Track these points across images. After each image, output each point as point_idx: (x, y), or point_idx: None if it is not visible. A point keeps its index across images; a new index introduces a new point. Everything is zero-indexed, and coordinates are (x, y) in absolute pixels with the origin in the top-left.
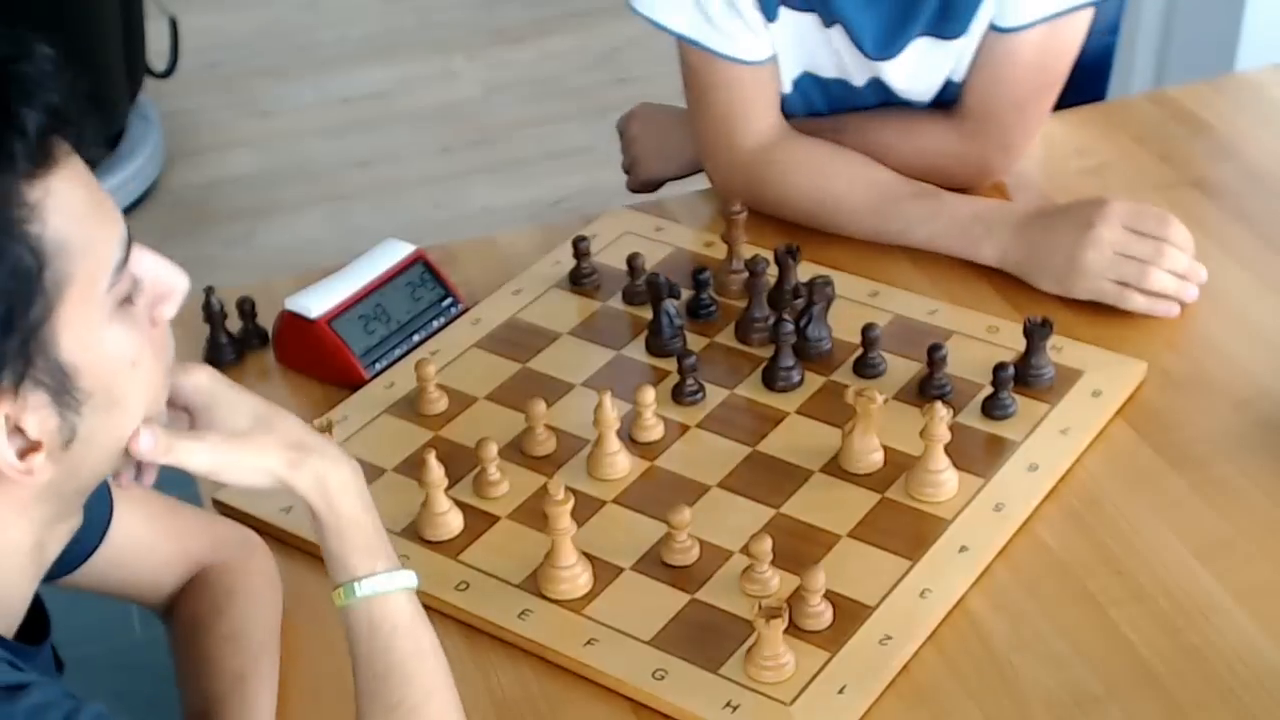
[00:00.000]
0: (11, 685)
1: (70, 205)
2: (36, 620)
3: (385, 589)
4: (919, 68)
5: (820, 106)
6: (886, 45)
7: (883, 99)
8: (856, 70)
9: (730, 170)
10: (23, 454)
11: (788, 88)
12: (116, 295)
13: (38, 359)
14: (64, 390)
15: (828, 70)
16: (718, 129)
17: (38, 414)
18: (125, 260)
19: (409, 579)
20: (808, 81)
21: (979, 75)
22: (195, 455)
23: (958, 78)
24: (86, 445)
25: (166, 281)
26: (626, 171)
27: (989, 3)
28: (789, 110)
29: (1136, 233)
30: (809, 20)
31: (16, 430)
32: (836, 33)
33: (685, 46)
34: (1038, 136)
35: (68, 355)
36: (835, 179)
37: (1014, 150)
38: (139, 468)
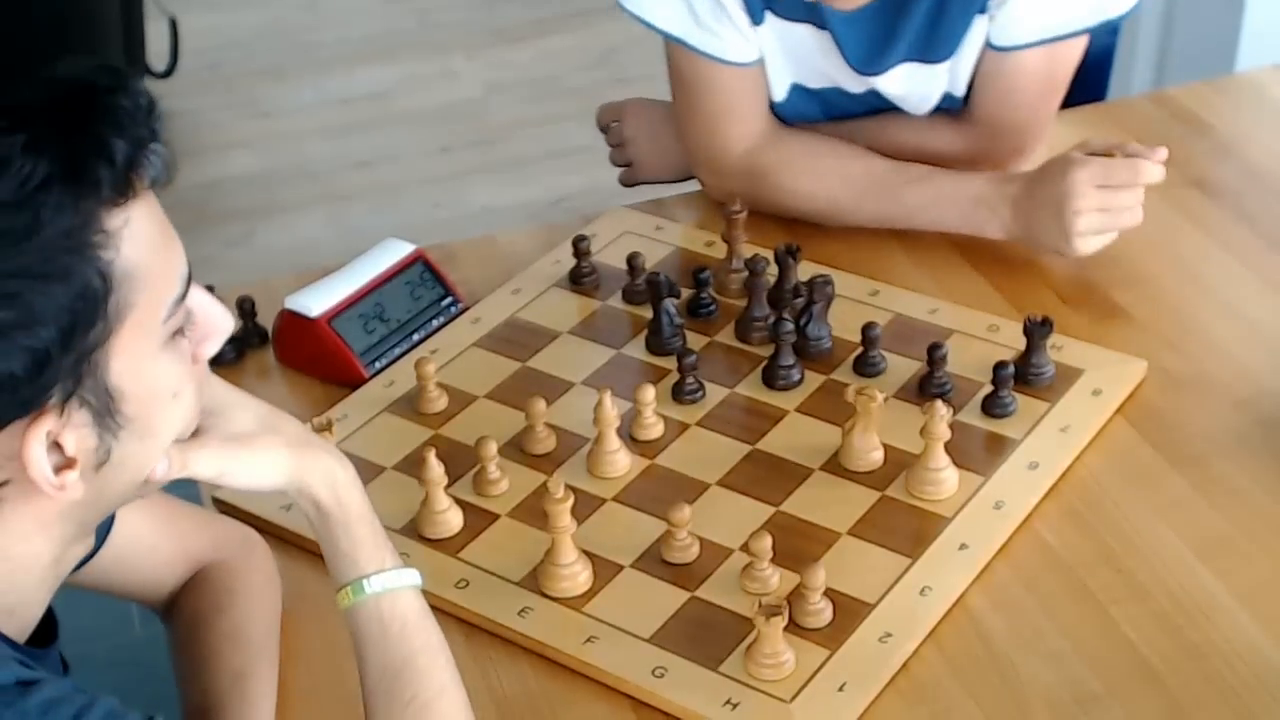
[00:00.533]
0: (24, 681)
1: (143, 236)
2: (45, 624)
3: (394, 585)
4: (909, 87)
5: (816, 116)
6: (871, 63)
7: (880, 105)
8: (848, 81)
9: (721, 177)
10: (57, 470)
11: (781, 96)
12: (170, 327)
13: (88, 379)
14: (107, 413)
15: (816, 81)
16: (706, 132)
17: (78, 432)
18: (184, 295)
19: (416, 577)
20: (798, 93)
21: (984, 90)
22: (205, 462)
23: (957, 92)
24: (116, 470)
25: (213, 321)
26: (615, 164)
27: (978, 26)
28: (785, 118)
29: (1112, 188)
30: (795, 29)
31: (54, 446)
32: (826, 41)
33: (673, 47)
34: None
35: (116, 379)
36: (828, 177)
37: (1028, 151)
38: None
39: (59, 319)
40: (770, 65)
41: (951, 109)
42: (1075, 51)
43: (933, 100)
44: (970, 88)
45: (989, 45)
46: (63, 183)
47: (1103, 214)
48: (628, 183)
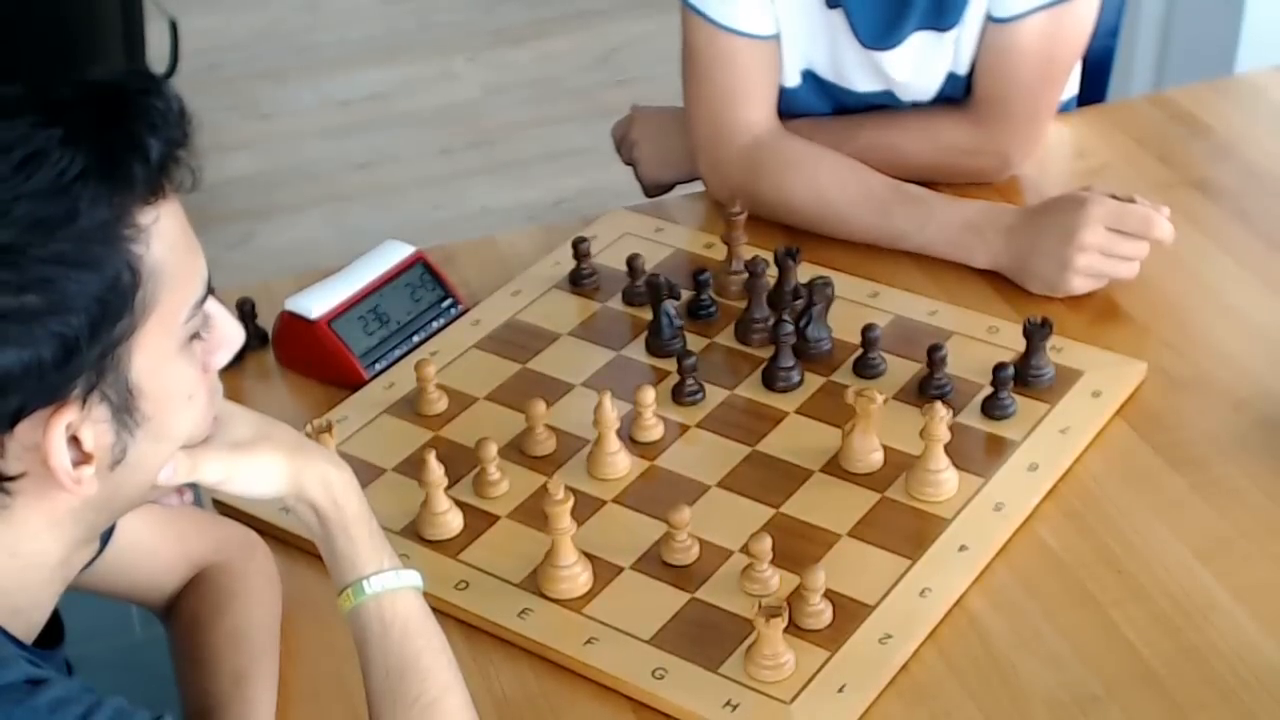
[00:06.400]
0: (33, 680)
1: (170, 236)
2: (51, 627)
3: (394, 586)
4: (919, 61)
5: (825, 110)
6: (883, 37)
7: (886, 105)
8: (855, 64)
9: (721, 168)
10: (75, 465)
11: (795, 80)
12: (189, 330)
13: (110, 373)
14: (126, 410)
15: (826, 67)
16: (713, 114)
17: (96, 427)
18: (204, 298)
19: (416, 578)
20: (810, 81)
21: (986, 68)
22: (210, 467)
23: (960, 70)
24: (130, 470)
25: (224, 332)
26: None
27: None
28: (795, 108)
29: (1121, 232)
30: (806, 5)
31: (73, 441)
32: (837, 17)
33: (689, 20)
34: (1050, 127)
35: (136, 376)
36: (824, 188)
37: (1030, 139)
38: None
39: (89, 308)
40: (784, 44)
41: (954, 96)
42: (1076, 30)
43: (938, 80)
44: (973, 69)
45: (989, 18)
46: (99, 176)
47: (1104, 258)
48: (644, 190)
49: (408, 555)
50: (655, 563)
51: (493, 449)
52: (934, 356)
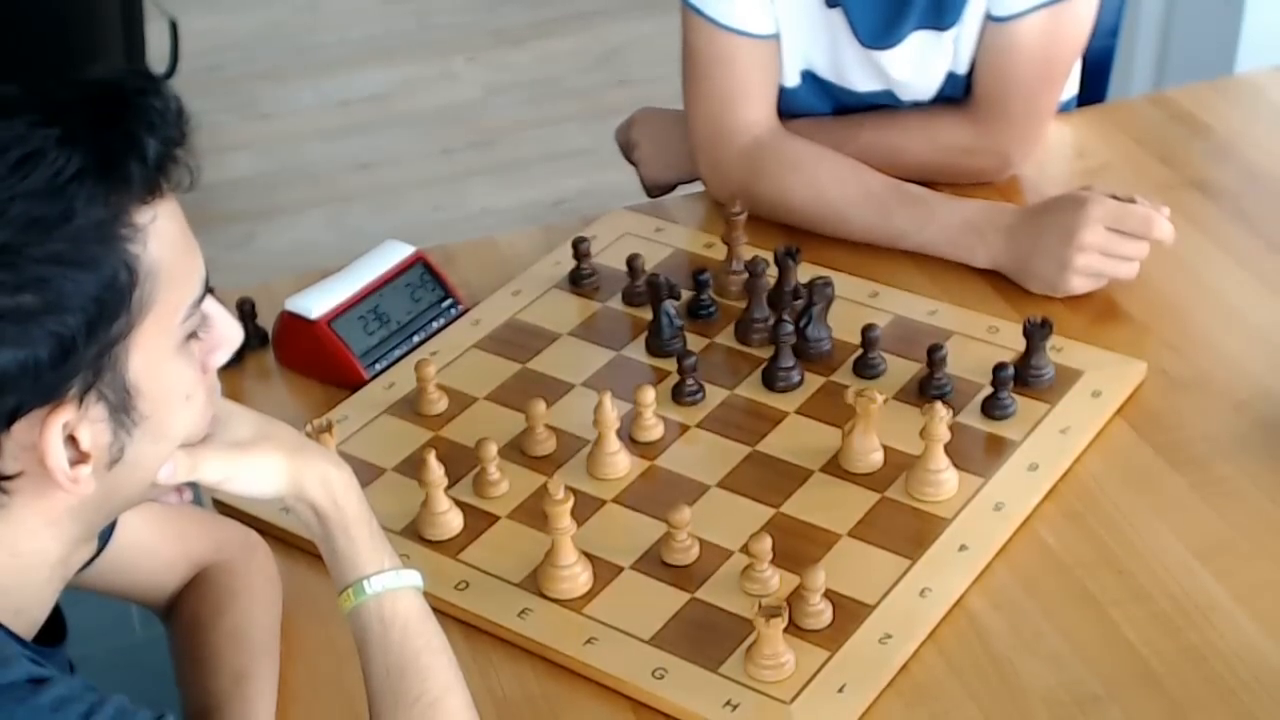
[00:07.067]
0: (35, 678)
1: (168, 235)
2: (53, 625)
3: (394, 585)
4: (919, 60)
5: (825, 110)
6: (883, 36)
7: (886, 104)
8: (855, 64)
9: (721, 169)
10: (72, 464)
11: (794, 80)
12: (186, 329)
13: (107, 373)
14: (123, 409)
15: (826, 66)
16: (713, 115)
17: (94, 427)
18: (202, 298)
19: (416, 578)
20: (810, 82)
21: (985, 67)
22: (210, 466)
23: (960, 69)
24: (128, 469)
25: (222, 331)
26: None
27: None
28: (795, 108)
29: (1121, 232)
30: (809, 3)
31: (70, 441)
32: (836, 17)
33: (689, 20)
34: (1050, 126)
35: (134, 376)
36: (824, 188)
37: (1029, 139)
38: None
39: (86, 308)
40: (784, 44)
41: (954, 96)
42: (1075, 29)
43: (938, 79)
44: (972, 68)
45: (989, 17)
46: (95, 176)
47: (1103, 258)
48: (646, 190)
49: (408, 555)
50: (655, 563)
51: (493, 449)
52: (934, 356)
